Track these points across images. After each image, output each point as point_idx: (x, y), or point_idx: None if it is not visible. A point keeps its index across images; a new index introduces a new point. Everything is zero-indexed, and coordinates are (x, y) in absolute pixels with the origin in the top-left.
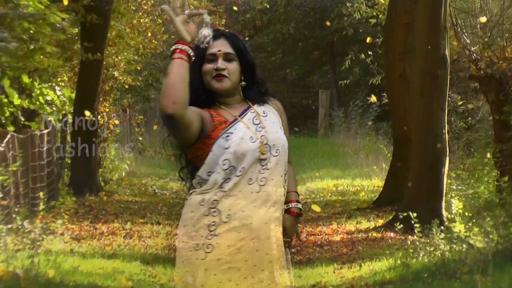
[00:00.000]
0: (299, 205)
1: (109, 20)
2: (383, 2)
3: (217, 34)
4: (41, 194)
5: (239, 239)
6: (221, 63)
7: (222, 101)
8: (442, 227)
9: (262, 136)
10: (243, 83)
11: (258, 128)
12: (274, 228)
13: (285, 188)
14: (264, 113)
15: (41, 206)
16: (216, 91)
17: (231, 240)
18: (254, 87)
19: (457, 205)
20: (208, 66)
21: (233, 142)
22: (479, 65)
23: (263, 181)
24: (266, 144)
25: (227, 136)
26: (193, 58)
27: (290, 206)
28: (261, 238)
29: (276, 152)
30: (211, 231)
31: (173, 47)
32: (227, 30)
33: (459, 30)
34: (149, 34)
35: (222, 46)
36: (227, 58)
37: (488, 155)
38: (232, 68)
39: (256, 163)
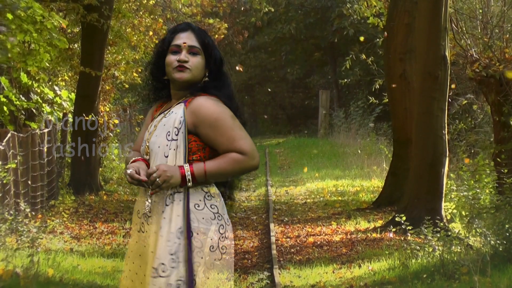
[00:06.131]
0: (190, 176)
1: (109, 20)
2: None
3: (184, 27)
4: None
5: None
6: (184, 55)
7: (174, 93)
8: (438, 228)
9: (148, 139)
10: (206, 78)
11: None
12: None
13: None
14: (170, 113)
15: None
16: (176, 81)
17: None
18: (216, 82)
19: (447, 207)
20: (171, 58)
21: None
22: (474, 66)
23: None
24: (148, 146)
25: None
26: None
27: (185, 166)
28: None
29: (153, 156)
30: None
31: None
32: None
33: (459, 30)
34: (151, 33)
35: (187, 39)
36: (191, 51)
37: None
38: (196, 61)
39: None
